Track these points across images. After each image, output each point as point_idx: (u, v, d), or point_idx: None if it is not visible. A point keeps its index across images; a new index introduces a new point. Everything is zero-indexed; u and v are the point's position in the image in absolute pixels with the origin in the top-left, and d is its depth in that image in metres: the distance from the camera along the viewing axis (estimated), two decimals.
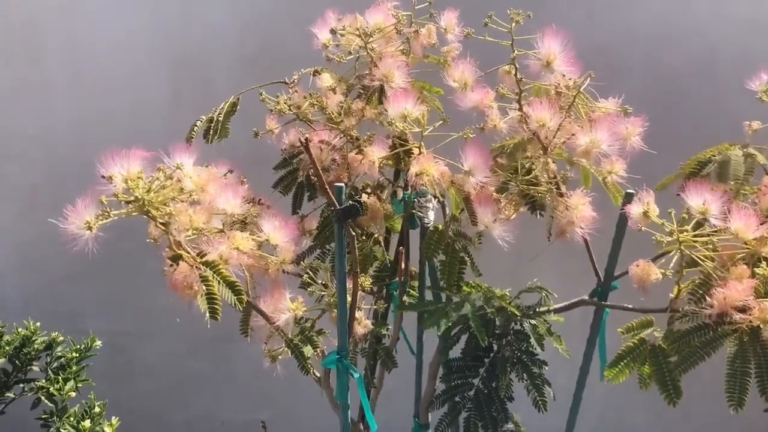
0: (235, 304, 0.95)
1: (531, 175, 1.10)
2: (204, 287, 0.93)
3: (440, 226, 1.14)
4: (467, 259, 1.14)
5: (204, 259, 0.95)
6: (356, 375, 1.12)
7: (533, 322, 1.11)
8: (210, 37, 1.95)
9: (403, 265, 1.18)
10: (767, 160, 1.13)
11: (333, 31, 1.16)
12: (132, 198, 0.91)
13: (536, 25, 1.08)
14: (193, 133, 1.25)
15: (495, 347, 1.15)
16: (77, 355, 1.49)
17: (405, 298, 1.21)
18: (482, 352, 1.15)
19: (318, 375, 1.17)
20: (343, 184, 1.03)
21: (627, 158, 1.12)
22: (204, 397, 2.24)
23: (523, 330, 1.12)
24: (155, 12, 1.95)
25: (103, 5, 1.96)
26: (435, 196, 1.13)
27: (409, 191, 1.12)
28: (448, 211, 1.20)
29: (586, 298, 1.19)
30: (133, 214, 0.92)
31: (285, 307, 1.04)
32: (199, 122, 1.26)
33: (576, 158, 1.12)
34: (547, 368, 1.13)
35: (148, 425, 2.19)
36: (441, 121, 1.09)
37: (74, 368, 1.46)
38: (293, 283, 1.15)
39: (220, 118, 1.25)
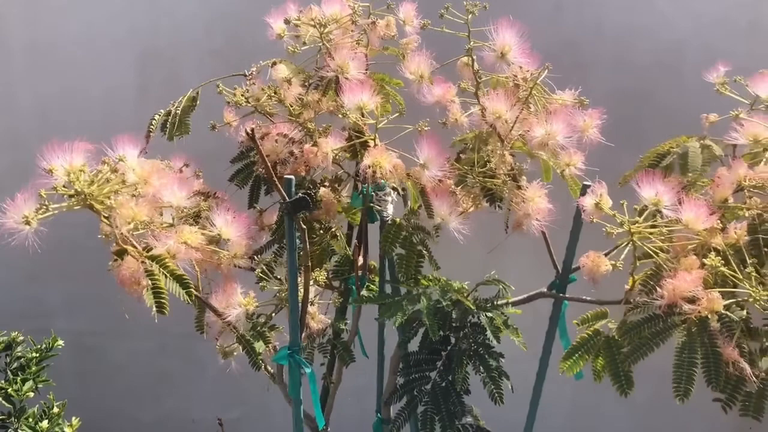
0: (183, 298, 0.93)
1: (487, 168, 1.09)
2: (150, 281, 0.91)
3: (399, 220, 1.13)
4: (425, 252, 1.12)
5: (150, 254, 0.93)
6: (308, 370, 1.10)
7: (489, 314, 1.11)
8: (177, 29, 1.91)
9: (360, 260, 1.16)
10: (723, 151, 1.13)
11: (287, 21, 1.14)
12: (73, 191, 0.88)
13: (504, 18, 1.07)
14: (152, 127, 1.23)
15: (452, 340, 1.14)
16: (37, 355, 1.46)
17: (363, 292, 1.20)
18: (439, 345, 1.14)
19: (271, 371, 1.16)
20: (292, 177, 1.01)
21: (588, 151, 1.11)
22: (175, 395, 2.21)
23: (480, 323, 1.11)
24: (121, 3, 1.92)
25: None
26: (395, 189, 1.12)
27: (367, 184, 1.10)
28: (408, 205, 1.19)
29: (545, 290, 1.18)
30: (75, 208, 0.90)
31: (236, 303, 1.02)
32: (157, 116, 1.23)
33: (534, 150, 1.11)
34: (503, 360, 1.13)
35: (120, 424, 2.17)
36: (397, 113, 1.08)
37: (34, 368, 1.43)
38: (251, 279, 1.14)
39: (178, 112, 1.23)
